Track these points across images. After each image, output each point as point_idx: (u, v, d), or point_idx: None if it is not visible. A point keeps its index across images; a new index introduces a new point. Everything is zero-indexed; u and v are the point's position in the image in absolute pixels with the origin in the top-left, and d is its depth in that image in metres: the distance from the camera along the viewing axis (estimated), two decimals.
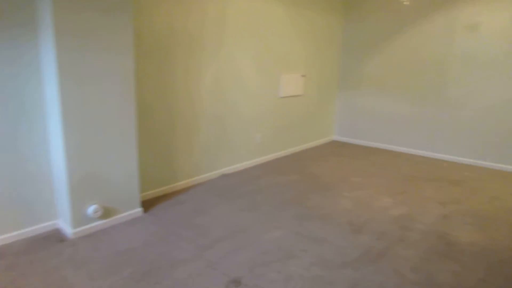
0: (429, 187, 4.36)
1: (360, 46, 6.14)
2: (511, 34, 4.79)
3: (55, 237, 2.95)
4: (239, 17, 4.37)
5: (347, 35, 6.26)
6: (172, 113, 3.83)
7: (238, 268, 2.58)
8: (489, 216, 3.59)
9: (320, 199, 3.88)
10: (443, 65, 5.36)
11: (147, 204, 3.61)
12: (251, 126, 4.89)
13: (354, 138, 6.48)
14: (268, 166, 5.01)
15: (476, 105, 5.17)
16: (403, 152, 5.90)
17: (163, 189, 3.91)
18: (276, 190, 4.11)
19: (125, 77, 3.03)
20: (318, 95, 6.08)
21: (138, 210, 3.37)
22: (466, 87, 5.22)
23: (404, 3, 4.24)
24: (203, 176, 4.34)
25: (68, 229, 2.94)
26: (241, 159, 4.84)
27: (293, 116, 5.62)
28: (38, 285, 2.33)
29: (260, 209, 3.59)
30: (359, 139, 6.42)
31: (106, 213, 3.11)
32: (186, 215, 3.41)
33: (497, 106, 5.01)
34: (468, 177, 4.76)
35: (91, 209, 2.98)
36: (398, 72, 5.81)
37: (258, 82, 4.83)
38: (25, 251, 2.73)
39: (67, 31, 2.62)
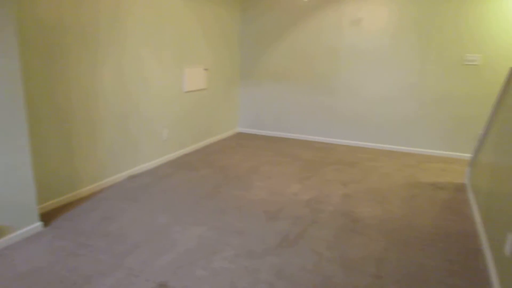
0: (330, 170, 4.72)
1: (259, 39, 6.32)
2: (390, 28, 5.41)
3: None
4: (138, 8, 4.14)
5: (245, 28, 6.39)
6: (69, 114, 3.47)
7: (162, 271, 2.48)
8: (383, 191, 4.05)
9: (234, 191, 3.92)
10: (335, 57, 5.83)
11: (49, 217, 3.23)
12: (157, 123, 4.70)
13: (258, 129, 6.68)
14: (177, 162, 4.89)
15: (366, 92, 5.75)
16: (304, 139, 6.29)
17: (66, 197, 3.54)
18: (190, 187, 4.03)
19: (11, 81, 2.64)
20: (221, 88, 6.11)
21: (37, 224, 2.99)
22: (356, 77, 5.76)
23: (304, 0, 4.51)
24: (110, 179, 4.04)
25: None
26: (149, 158, 4.63)
27: (198, 110, 5.56)
28: None
29: (176, 208, 3.49)
30: (263, 129, 6.64)
31: None
32: (96, 223, 3.15)
33: (384, 93, 5.64)
34: (362, 158, 5.28)
35: None
36: (296, 63, 6.13)
37: (161, 77, 4.65)
38: None
39: None
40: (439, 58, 5.22)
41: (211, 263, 2.59)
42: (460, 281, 2.46)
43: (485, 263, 2.69)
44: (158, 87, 4.63)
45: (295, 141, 6.23)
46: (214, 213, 3.40)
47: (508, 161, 2.67)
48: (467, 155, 5.28)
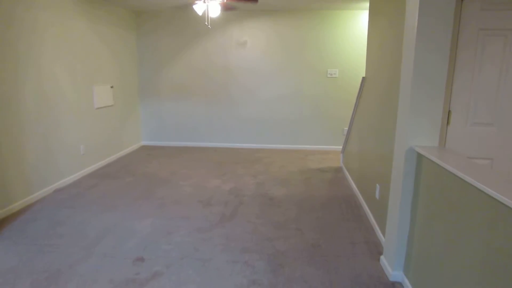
0: (239, 167, 5.59)
1: (156, 56, 6.89)
2: (269, 49, 6.61)
3: None
4: (51, 31, 4.40)
5: (141, 47, 6.89)
6: None
7: (134, 250, 2.97)
8: (284, 178, 5.07)
9: (165, 191, 4.47)
10: (228, 73, 6.78)
11: None
12: (74, 139, 4.91)
13: (162, 141, 7.19)
14: (99, 174, 5.14)
15: (256, 102, 6.82)
16: (208, 146, 7.04)
17: None
18: (122, 192, 4.42)
19: None
20: (125, 104, 6.48)
21: None
22: (248, 89, 6.80)
23: (208, 26, 5.33)
24: (38, 194, 4.17)
25: None
26: (71, 172, 4.81)
27: (108, 126, 5.85)
28: None
29: (118, 208, 3.89)
30: (167, 141, 7.17)
31: None
32: (47, 229, 3.38)
33: (271, 102, 6.79)
34: (262, 157, 6.29)
35: None
36: (193, 79, 6.88)
37: (75, 95, 4.90)
38: None
39: None
40: (309, 72, 6.61)
41: (172, 239, 3.17)
42: (352, 223, 3.56)
43: (364, 210, 3.86)
44: (73, 104, 4.87)
45: (199, 148, 6.94)
46: (156, 208, 3.92)
47: (366, 147, 3.90)
48: (338, 147, 6.76)
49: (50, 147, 4.41)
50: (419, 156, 2.53)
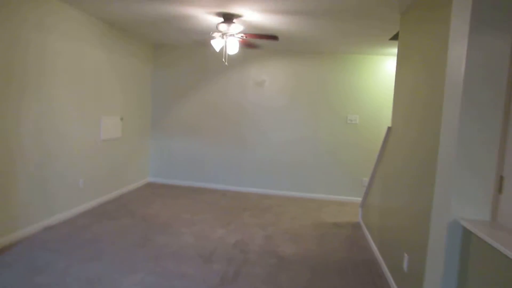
0: (247, 216, 5.12)
1: (170, 90, 6.66)
2: (288, 90, 6.32)
3: None
4: (62, 60, 4.19)
5: (157, 80, 6.68)
6: None
7: None
8: (296, 232, 4.58)
9: (163, 238, 4.02)
10: (243, 112, 6.47)
11: None
12: (73, 171, 4.57)
13: (169, 179, 6.80)
14: (95, 212, 4.74)
15: (270, 145, 6.45)
16: (217, 188, 6.62)
17: None
18: (116, 236, 3.99)
19: None
20: (134, 137, 6.18)
21: None
22: (262, 131, 6.45)
23: (225, 63, 5.08)
24: (23, 231, 3.77)
25: None
26: (65, 208, 4.42)
27: (113, 159, 5.53)
28: None
29: (107, 257, 3.45)
30: (174, 179, 6.79)
31: None
32: (24, 276, 2.95)
33: (283, 145, 6.41)
34: (272, 204, 5.83)
35: None
36: (206, 116, 6.59)
37: (81, 124, 4.62)
38: None
39: None
40: (328, 116, 6.25)
41: None
42: None
43: (388, 282, 3.33)
44: (77, 136, 4.58)
45: (207, 189, 6.52)
46: (149, 260, 3.46)
47: (392, 205, 3.44)
48: (355, 198, 6.25)
49: (46, 179, 4.06)
50: (466, 232, 2.07)
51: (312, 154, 6.36)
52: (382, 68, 6.08)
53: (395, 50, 5.55)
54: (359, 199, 6.23)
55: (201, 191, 6.37)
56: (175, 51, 6.55)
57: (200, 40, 5.59)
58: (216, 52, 6.16)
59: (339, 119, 6.24)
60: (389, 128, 3.85)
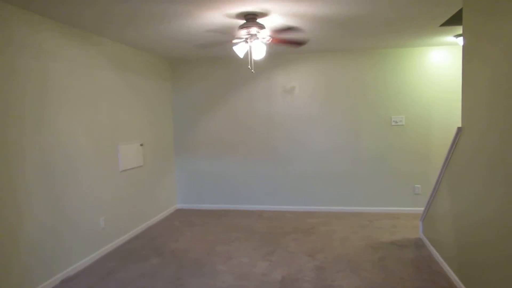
0: (289, 240, 4.50)
1: (192, 109, 6.15)
2: (318, 96, 5.68)
3: None
4: (71, 84, 3.74)
5: (178, 99, 6.19)
6: None
7: None
8: (351, 257, 3.91)
9: (197, 282, 3.45)
10: (272, 124, 5.88)
11: None
12: (92, 210, 4.09)
13: (199, 203, 6.27)
14: (120, 253, 4.24)
15: (304, 157, 5.82)
16: (249, 209, 6.02)
17: None
18: (144, 283, 3.44)
19: None
20: (157, 163, 5.69)
21: None
22: (294, 142, 5.83)
23: (251, 71, 4.50)
24: None
25: None
26: (85, 253, 3.93)
27: (136, 190, 5.03)
28: None
29: None
30: (204, 203, 6.25)
31: None
32: None
33: (320, 155, 5.76)
34: (314, 223, 5.17)
35: None
36: (232, 132, 6.04)
37: (95, 156, 4.15)
38: None
39: None
40: (369, 119, 5.57)
41: None
42: None
43: None
44: (92, 169, 4.09)
45: (240, 212, 5.94)
46: None
47: (475, 214, 2.74)
48: (408, 209, 5.51)
49: (59, 224, 3.57)
50: None
51: (354, 162, 5.68)
52: (427, 61, 5.38)
53: (444, 39, 4.86)
54: (412, 210, 5.49)
55: (234, 214, 5.79)
56: (194, 65, 6.06)
57: (218, 54, 5.02)
58: (238, 62, 5.63)
59: (382, 121, 5.55)
60: (459, 129, 3.16)
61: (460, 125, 3.18)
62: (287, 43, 3.81)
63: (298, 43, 3.86)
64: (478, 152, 2.82)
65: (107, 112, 4.40)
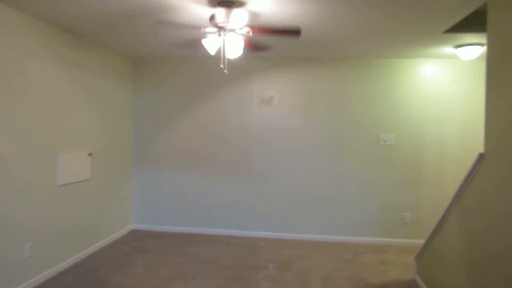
0: (261, 279, 3.74)
1: (155, 115, 5.34)
2: (299, 109, 5.02)
3: None
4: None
5: (138, 103, 5.37)
6: None
7: None
8: None
9: None
10: (247, 137, 5.15)
11: None
12: (15, 235, 3.21)
13: (158, 224, 5.41)
14: None
15: (283, 176, 5.11)
16: (219, 234, 5.22)
17: None
18: None
19: None
20: (110, 177, 4.83)
21: None
22: (272, 159, 5.12)
23: (224, 71, 3.76)
24: None
25: None
26: None
27: (79, 208, 4.16)
28: None
29: None
30: (164, 224, 5.39)
31: None
32: None
33: (299, 176, 5.06)
34: (291, 255, 4.44)
35: None
36: (201, 144, 5.26)
37: (22, 167, 3.28)
38: None
39: None
40: (355, 138, 4.95)
41: None
42: None
43: None
44: (20, 183, 3.24)
45: (206, 237, 5.13)
46: None
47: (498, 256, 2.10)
48: (396, 240, 4.89)
49: None
50: None
51: (338, 185, 5.02)
52: (421, 74, 4.84)
53: (442, 50, 4.33)
54: (400, 241, 4.87)
55: (198, 240, 4.97)
56: (160, 65, 5.28)
57: (188, 45, 4.25)
58: (210, 65, 4.91)
59: (369, 140, 4.93)
60: (481, 155, 2.54)
61: (481, 151, 2.56)
62: (278, 33, 3.04)
63: (291, 33, 3.05)
64: (504, 182, 2.20)
65: (45, 114, 3.55)
